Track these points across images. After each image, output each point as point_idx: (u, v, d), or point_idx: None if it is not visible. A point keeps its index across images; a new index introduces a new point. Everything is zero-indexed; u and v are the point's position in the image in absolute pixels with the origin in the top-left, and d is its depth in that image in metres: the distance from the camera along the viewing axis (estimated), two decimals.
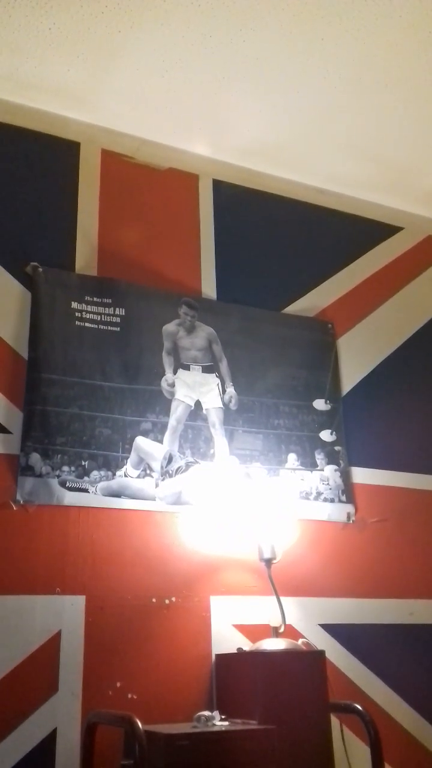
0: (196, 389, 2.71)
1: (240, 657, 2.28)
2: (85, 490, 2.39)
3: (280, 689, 2.08)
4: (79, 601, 2.26)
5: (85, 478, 2.40)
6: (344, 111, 2.88)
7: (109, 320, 2.66)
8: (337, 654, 2.54)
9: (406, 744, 2.56)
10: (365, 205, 3.41)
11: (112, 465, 2.46)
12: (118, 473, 2.46)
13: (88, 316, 2.63)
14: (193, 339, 2.79)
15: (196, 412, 2.68)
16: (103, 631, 2.26)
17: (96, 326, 2.63)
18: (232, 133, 2.99)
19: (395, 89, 2.77)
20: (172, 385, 2.67)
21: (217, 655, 2.36)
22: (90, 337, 2.61)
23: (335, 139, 3.04)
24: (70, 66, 2.63)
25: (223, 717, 2.03)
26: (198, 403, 2.69)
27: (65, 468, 2.38)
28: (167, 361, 2.70)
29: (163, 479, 2.52)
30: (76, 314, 2.61)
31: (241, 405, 2.76)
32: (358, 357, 3.11)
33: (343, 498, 2.79)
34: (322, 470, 2.80)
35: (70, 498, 2.36)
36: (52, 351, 2.51)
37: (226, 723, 2.01)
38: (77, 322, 2.61)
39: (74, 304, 2.62)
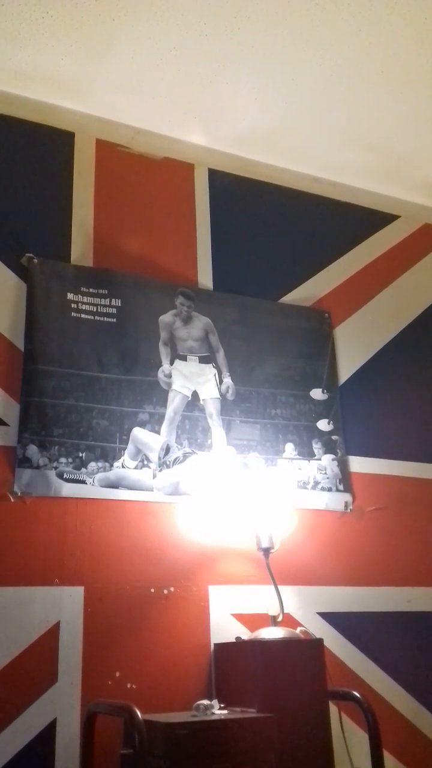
0: (193, 380, 2.71)
1: (239, 646, 2.29)
2: (83, 482, 2.39)
3: (278, 678, 2.10)
4: (78, 591, 2.26)
5: (83, 470, 2.40)
6: (341, 99, 2.87)
7: (105, 311, 2.66)
8: (335, 642, 2.55)
9: (404, 730, 2.58)
10: (362, 194, 3.40)
11: (109, 456, 2.46)
12: (115, 464, 2.46)
13: (84, 307, 2.62)
14: (189, 329, 2.78)
15: (193, 402, 2.68)
16: (101, 621, 2.26)
17: (92, 317, 2.63)
18: (228, 122, 2.98)
19: (392, 77, 2.75)
20: (169, 375, 2.67)
21: (216, 644, 2.37)
22: (86, 328, 2.60)
23: (332, 127, 3.03)
24: (64, 55, 2.61)
25: (222, 706, 2.04)
26: (195, 394, 2.69)
27: (62, 459, 2.38)
28: (164, 352, 2.70)
29: (160, 470, 2.52)
30: (72, 305, 2.61)
31: (238, 395, 2.76)
32: (355, 346, 3.11)
33: (341, 487, 2.80)
34: (320, 459, 2.80)
35: (68, 489, 2.36)
36: (48, 342, 2.51)
37: (225, 711, 2.02)
38: (73, 314, 2.60)
39: (70, 295, 2.61)
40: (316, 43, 2.59)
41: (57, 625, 2.21)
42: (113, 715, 1.98)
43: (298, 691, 2.10)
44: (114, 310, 2.67)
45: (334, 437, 2.87)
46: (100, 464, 2.44)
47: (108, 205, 2.84)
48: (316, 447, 2.82)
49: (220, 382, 2.75)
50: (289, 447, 2.78)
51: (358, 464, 2.89)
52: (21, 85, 2.74)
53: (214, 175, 3.12)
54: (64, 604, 2.23)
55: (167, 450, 2.56)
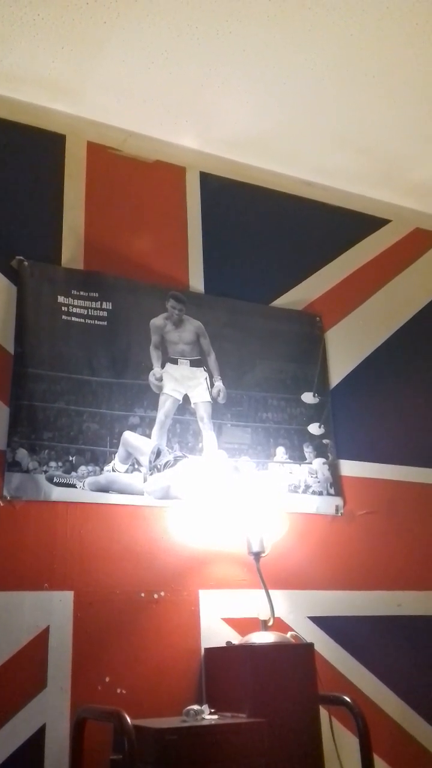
0: (184, 383, 2.70)
1: (229, 650, 2.28)
2: (73, 486, 2.38)
3: (269, 682, 2.09)
4: (68, 596, 2.25)
5: (73, 474, 2.39)
6: (332, 102, 2.87)
7: (96, 314, 2.65)
8: (325, 646, 2.55)
9: (394, 734, 2.58)
10: (353, 198, 3.41)
11: (99, 460, 2.45)
12: (105, 468, 2.45)
13: (74, 311, 2.61)
14: (180, 333, 2.78)
15: (184, 406, 2.67)
16: (91, 626, 2.25)
17: (83, 320, 2.62)
18: (220, 125, 2.98)
19: (383, 80, 2.76)
20: (160, 379, 2.66)
21: (207, 649, 2.36)
22: (77, 331, 2.59)
23: (323, 131, 3.03)
24: (55, 57, 2.61)
25: (212, 711, 2.04)
26: (186, 397, 2.68)
27: (52, 463, 2.37)
28: (155, 355, 2.69)
29: (151, 474, 2.51)
30: (63, 308, 2.60)
31: (229, 399, 2.76)
32: (346, 350, 3.11)
33: (332, 491, 2.80)
34: (311, 463, 2.80)
35: (58, 493, 2.35)
36: (38, 346, 2.49)
37: (216, 717, 2.01)
38: (64, 317, 2.59)
39: (61, 298, 2.60)
40: (308, 46, 2.59)
41: (46, 630, 2.19)
42: (103, 720, 1.97)
43: (289, 696, 2.09)
44: (105, 314, 2.66)
45: (325, 441, 2.87)
46: (90, 468, 2.43)
47: (99, 208, 2.83)
48: (307, 451, 2.82)
49: (211, 385, 2.75)
50: (280, 451, 2.78)
51: (349, 468, 2.89)
52: (12, 87, 2.73)
53: (206, 178, 3.12)
54: (54, 609, 2.22)
55: (158, 454, 2.55)
